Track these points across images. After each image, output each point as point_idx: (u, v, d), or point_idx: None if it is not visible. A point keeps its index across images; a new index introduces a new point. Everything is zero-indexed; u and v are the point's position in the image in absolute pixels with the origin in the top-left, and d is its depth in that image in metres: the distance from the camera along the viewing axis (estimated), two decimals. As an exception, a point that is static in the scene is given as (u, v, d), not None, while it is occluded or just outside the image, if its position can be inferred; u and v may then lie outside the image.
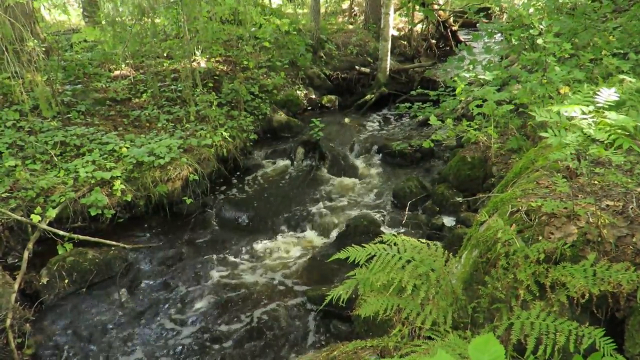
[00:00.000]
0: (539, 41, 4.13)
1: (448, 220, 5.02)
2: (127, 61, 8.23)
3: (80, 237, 4.61)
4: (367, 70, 10.28)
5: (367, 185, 6.32)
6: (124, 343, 3.69)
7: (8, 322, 3.53)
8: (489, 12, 12.43)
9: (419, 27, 12.81)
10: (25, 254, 4.22)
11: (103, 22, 8.68)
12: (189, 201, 5.48)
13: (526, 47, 5.19)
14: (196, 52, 8.39)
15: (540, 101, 3.89)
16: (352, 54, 10.93)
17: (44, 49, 6.88)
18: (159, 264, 4.65)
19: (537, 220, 2.40)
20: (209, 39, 8.26)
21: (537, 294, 2.02)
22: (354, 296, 2.98)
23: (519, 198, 2.69)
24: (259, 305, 4.05)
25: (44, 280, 4.10)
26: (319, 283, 4.28)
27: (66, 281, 4.16)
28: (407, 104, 7.48)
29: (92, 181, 5.03)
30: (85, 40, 8.89)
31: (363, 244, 2.51)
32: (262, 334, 3.76)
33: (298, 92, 9.08)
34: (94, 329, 3.81)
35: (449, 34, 13.13)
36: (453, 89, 6.22)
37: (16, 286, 3.88)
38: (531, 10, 5.50)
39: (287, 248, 4.94)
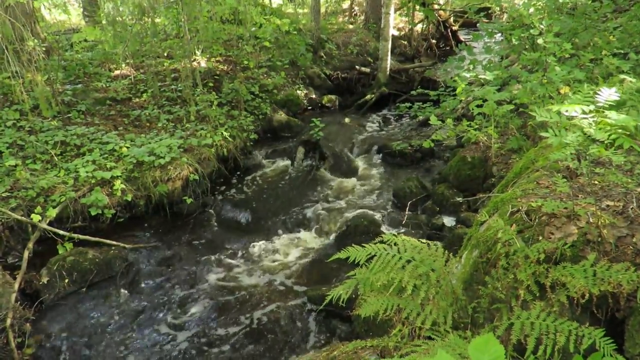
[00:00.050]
0: (539, 41, 4.13)
1: (448, 220, 5.01)
2: (128, 61, 8.23)
3: (81, 236, 4.61)
4: (368, 70, 10.28)
5: (368, 185, 6.32)
6: (124, 343, 3.69)
7: (8, 321, 3.53)
8: (489, 12, 12.42)
9: (419, 27, 12.80)
10: (26, 254, 4.22)
11: (103, 22, 8.68)
12: (189, 201, 5.48)
13: (526, 47, 5.19)
14: (196, 51, 8.39)
15: (540, 101, 3.88)
16: (353, 54, 10.93)
17: (44, 48, 6.88)
18: (159, 263, 4.66)
19: (537, 220, 2.40)
20: (209, 39, 8.26)
21: (537, 294, 2.02)
22: (354, 296, 2.98)
23: (519, 198, 2.69)
24: (259, 305, 4.05)
25: (44, 279, 4.10)
26: (319, 283, 4.28)
27: (66, 281, 4.16)
28: (408, 104, 7.48)
29: (93, 181, 5.03)
30: (85, 40, 8.88)
31: (363, 244, 2.51)
32: (262, 334, 3.76)
33: (298, 91, 9.08)
34: (94, 328, 3.82)
35: (449, 33, 13.13)
36: (453, 89, 6.22)
37: (16, 286, 3.88)
38: (531, 10, 5.50)
39: (287, 248, 4.94)
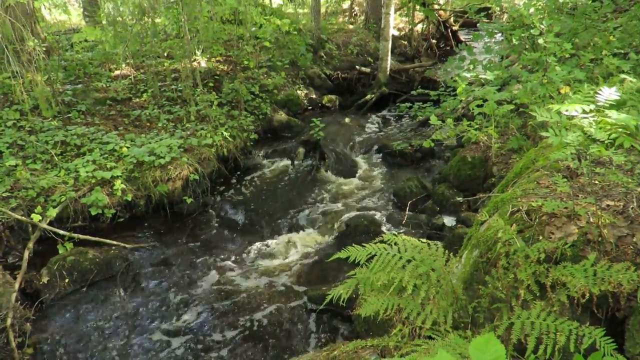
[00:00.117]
0: (540, 41, 4.13)
1: (448, 220, 5.01)
2: (128, 61, 8.23)
3: (81, 236, 4.61)
4: (368, 70, 10.28)
5: (368, 185, 6.32)
6: (124, 342, 3.69)
7: (8, 321, 3.53)
8: (490, 12, 12.42)
9: (419, 27, 12.80)
10: (26, 254, 4.22)
11: (104, 22, 8.69)
12: (189, 201, 5.48)
13: (527, 47, 5.19)
14: (197, 51, 8.39)
15: (540, 101, 3.88)
16: (353, 54, 10.93)
17: (44, 48, 6.88)
18: (160, 263, 4.65)
19: (537, 220, 2.40)
20: (210, 39, 8.26)
21: (538, 294, 2.02)
22: (354, 296, 2.98)
23: (519, 198, 2.69)
24: (259, 305, 4.05)
25: (45, 279, 4.10)
26: (319, 283, 4.28)
27: (66, 280, 4.16)
28: (408, 104, 7.48)
29: (93, 181, 5.03)
30: (85, 40, 8.89)
31: (363, 244, 2.51)
32: (263, 334, 3.76)
33: (298, 91, 9.08)
34: (94, 328, 3.82)
35: (450, 33, 13.13)
36: (453, 89, 6.22)
37: (17, 285, 3.88)
38: (532, 10, 5.50)
39: (287, 247, 4.94)
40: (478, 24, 10.03)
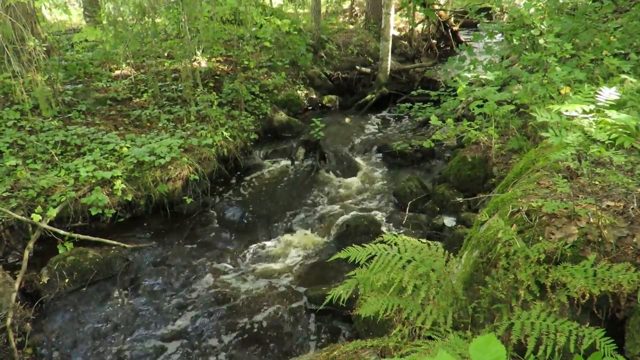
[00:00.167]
0: (540, 41, 4.13)
1: (448, 221, 5.01)
2: (128, 61, 8.23)
3: (81, 236, 4.61)
4: (368, 70, 10.28)
5: (368, 185, 6.32)
6: (124, 342, 3.69)
7: (8, 321, 3.53)
8: (490, 12, 12.41)
9: (419, 27, 12.80)
10: (26, 253, 4.22)
11: (104, 22, 8.67)
12: (189, 201, 5.48)
13: (527, 47, 5.19)
14: (197, 51, 8.39)
15: (541, 101, 3.88)
16: (353, 54, 10.93)
17: (44, 48, 6.87)
18: (160, 263, 4.65)
19: (537, 220, 2.40)
20: (210, 39, 8.26)
21: (538, 294, 2.02)
22: (354, 296, 2.98)
23: (519, 198, 2.69)
24: (259, 305, 4.05)
25: (45, 279, 4.10)
26: (319, 283, 4.28)
27: (67, 280, 4.16)
28: (408, 104, 7.49)
29: (93, 181, 5.03)
30: (86, 40, 8.89)
31: (363, 244, 2.51)
32: (263, 334, 3.76)
33: (299, 92, 9.08)
34: (94, 328, 3.82)
35: (450, 34, 13.13)
36: (454, 89, 6.22)
37: (17, 285, 3.89)
38: (532, 10, 5.50)
39: (287, 248, 4.94)
40: (478, 24, 10.04)
